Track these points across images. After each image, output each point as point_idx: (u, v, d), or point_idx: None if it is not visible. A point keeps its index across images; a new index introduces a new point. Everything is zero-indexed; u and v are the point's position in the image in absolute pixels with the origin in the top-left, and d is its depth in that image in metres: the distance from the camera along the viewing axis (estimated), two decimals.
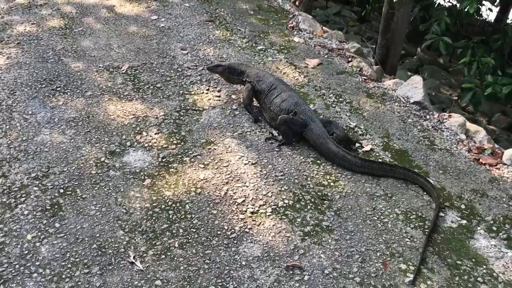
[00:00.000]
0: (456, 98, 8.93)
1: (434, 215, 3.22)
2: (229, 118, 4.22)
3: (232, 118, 4.22)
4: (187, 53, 5.37)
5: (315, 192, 3.45)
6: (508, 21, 10.64)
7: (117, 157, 3.71)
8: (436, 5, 10.01)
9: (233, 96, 4.55)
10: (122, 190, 3.39)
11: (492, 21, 11.18)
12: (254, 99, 4.29)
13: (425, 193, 3.52)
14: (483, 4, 6.99)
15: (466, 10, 6.09)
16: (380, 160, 3.77)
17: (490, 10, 10.20)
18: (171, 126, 4.09)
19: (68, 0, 6.67)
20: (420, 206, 3.40)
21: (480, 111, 7.84)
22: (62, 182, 3.43)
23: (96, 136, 3.92)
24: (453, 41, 6.73)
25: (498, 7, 10.44)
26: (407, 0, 7.10)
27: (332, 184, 3.54)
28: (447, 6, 10.67)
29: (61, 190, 3.36)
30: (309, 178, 3.57)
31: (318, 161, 3.75)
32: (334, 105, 4.52)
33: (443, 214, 3.36)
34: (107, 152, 3.75)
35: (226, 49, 5.48)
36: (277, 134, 4.08)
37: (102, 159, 3.67)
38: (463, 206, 3.45)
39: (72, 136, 3.90)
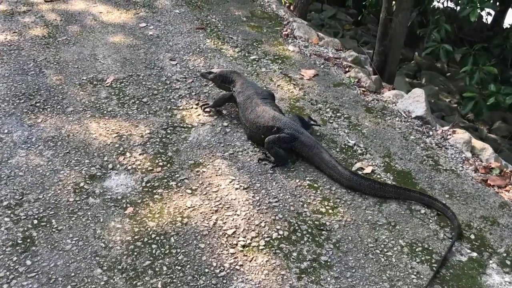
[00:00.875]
0: (455, 105, 8.69)
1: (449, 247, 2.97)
2: (219, 136, 3.94)
3: (223, 136, 3.95)
4: (176, 63, 5.09)
5: (312, 221, 3.18)
6: (506, 24, 10.42)
7: (98, 181, 3.42)
8: (434, 9, 9.79)
9: (224, 112, 4.27)
10: (101, 220, 3.11)
11: (489, 23, 10.95)
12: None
13: (430, 221, 3.25)
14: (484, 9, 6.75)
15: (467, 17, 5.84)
16: (369, 178, 3.51)
17: (490, 14, 10.00)
18: (157, 146, 3.81)
19: (52, 6, 6.38)
20: (426, 237, 3.13)
21: (480, 119, 7.58)
22: (37, 212, 3.14)
23: (75, 158, 3.63)
24: (453, 47, 6.50)
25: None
26: (406, 6, 6.84)
27: (330, 211, 3.27)
28: (444, 8, 10.45)
29: (35, 221, 3.07)
30: (305, 205, 3.30)
31: (315, 185, 3.48)
32: (331, 121, 4.25)
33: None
34: (87, 176, 3.46)
35: (217, 59, 5.20)
36: (268, 155, 3.84)
37: (81, 184, 3.38)
38: (473, 236, 3.18)
39: (50, 158, 3.61)
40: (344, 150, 3.87)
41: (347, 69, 5.41)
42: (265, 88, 4.51)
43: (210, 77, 4.31)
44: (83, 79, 4.69)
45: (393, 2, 7.15)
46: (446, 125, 4.68)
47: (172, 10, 6.53)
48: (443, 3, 9.52)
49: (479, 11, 5.72)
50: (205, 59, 5.22)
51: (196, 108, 4.32)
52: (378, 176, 3.62)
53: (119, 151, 3.72)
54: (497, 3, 8.35)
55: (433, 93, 8.75)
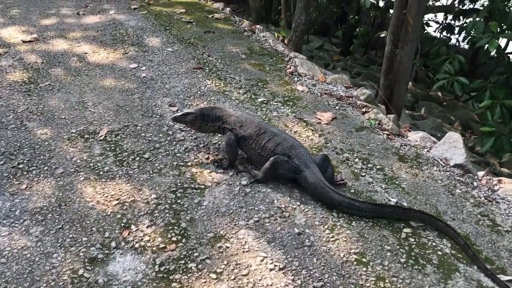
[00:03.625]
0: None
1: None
2: (239, 199, 3.35)
3: (243, 198, 3.37)
4: (177, 110, 4.53)
5: None
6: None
7: (100, 266, 2.79)
8: (431, 39, 9.48)
9: (240, 167, 3.70)
10: None
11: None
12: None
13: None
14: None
15: (485, 48, 5.45)
16: (392, 203, 3.37)
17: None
18: (167, 214, 3.20)
19: (32, 47, 5.79)
20: None
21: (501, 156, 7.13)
22: None
23: (71, 235, 3.00)
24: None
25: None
26: (412, 37, 6.45)
27: None
28: (443, 38, 10.17)
29: None
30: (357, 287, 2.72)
31: (364, 259, 2.91)
32: (363, 173, 3.72)
33: None
34: (86, 259, 2.83)
35: (222, 103, 4.66)
36: (250, 168, 3.63)
37: (81, 271, 2.75)
38: None
39: (39, 237, 2.97)
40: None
41: (363, 109, 4.92)
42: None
43: (188, 119, 3.77)
44: (72, 133, 4.08)
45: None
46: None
47: (164, 49, 5.99)
48: (440, 32, 9.24)
49: (497, 41, 5.32)
50: (208, 103, 4.66)
51: (207, 164, 3.74)
52: (434, 243, 3.07)
53: (122, 224, 3.10)
54: None
55: (437, 125, 8.35)
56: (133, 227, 3.08)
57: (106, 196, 3.34)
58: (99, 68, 5.38)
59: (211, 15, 7.66)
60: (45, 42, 6.02)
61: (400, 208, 3.22)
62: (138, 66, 5.47)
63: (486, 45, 5.30)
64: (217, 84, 5.10)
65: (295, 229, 3.09)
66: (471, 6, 9.05)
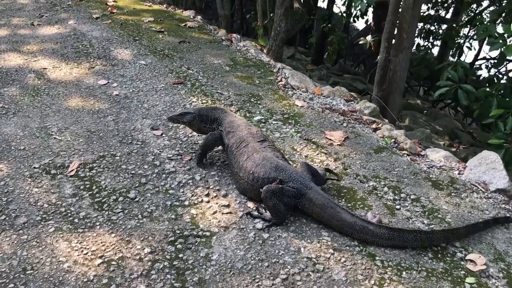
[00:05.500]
0: (453, 148, 7.84)
1: None
2: (257, 249, 2.66)
3: (262, 247, 2.68)
4: (162, 134, 3.80)
5: None
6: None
7: None
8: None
9: (250, 204, 3.01)
10: None
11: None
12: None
13: None
14: None
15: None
16: (412, 228, 2.86)
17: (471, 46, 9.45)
18: (169, 276, 2.47)
19: None
20: None
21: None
22: None
23: None
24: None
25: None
26: (407, 44, 5.94)
27: None
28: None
29: None
30: None
31: None
32: (397, 206, 3.10)
33: None
34: None
35: None
36: (263, 210, 2.91)
37: None
38: None
39: None
40: (439, 255, 2.70)
41: (373, 126, 4.34)
42: (258, 128, 3.46)
43: (186, 119, 3.43)
44: (35, 168, 3.29)
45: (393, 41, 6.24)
46: None
47: (136, 61, 5.25)
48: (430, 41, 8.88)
49: None
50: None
51: (208, 201, 3.03)
52: None
53: None
54: None
55: (426, 136, 7.88)
56: None
57: (86, 253, 2.58)
58: (62, 85, 4.58)
59: (183, 24, 6.95)
60: None
61: (422, 232, 2.72)
62: (108, 82, 4.71)
63: (500, 50, 4.83)
64: (203, 101, 4.40)
65: None
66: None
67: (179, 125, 3.82)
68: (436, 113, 9.99)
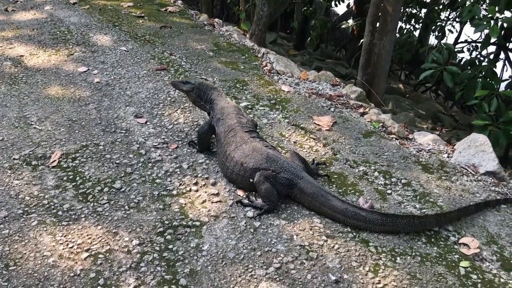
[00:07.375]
0: (437, 132, 7.87)
1: None
2: (249, 238, 2.60)
3: (253, 236, 2.61)
4: (146, 122, 3.70)
5: None
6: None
7: None
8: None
9: (239, 192, 2.94)
10: None
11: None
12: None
13: None
14: None
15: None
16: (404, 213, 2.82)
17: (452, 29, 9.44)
18: (159, 268, 2.39)
19: None
20: None
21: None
22: None
23: None
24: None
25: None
26: (392, 27, 5.89)
27: None
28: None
29: None
30: None
31: None
32: (389, 191, 3.06)
33: None
34: None
35: (199, 112, 3.86)
36: (254, 198, 2.86)
37: None
38: None
39: None
40: (432, 240, 2.67)
41: (360, 110, 4.29)
42: (249, 116, 3.47)
43: (185, 88, 3.47)
44: (15, 159, 3.16)
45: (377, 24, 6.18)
46: None
47: (117, 48, 5.10)
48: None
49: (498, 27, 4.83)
50: (183, 111, 3.87)
51: (197, 190, 2.95)
52: (501, 279, 2.45)
53: (99, 287, 2.26)
54: None
55: (410, 120, 7.89)
56: None
57: (71, 247, 2.49)
58: (40, 73, 4.43)
59: (164, 9, 6.80)
60: None
61: (415, 217, 2.67)
62: (89, 69, 4.56)
63: (486, 31, 4.81)
64: None
65: (331, 276, 2.37)
66: None
67: (179, 92, 3.90)
68: (418, 96, 10.01)
